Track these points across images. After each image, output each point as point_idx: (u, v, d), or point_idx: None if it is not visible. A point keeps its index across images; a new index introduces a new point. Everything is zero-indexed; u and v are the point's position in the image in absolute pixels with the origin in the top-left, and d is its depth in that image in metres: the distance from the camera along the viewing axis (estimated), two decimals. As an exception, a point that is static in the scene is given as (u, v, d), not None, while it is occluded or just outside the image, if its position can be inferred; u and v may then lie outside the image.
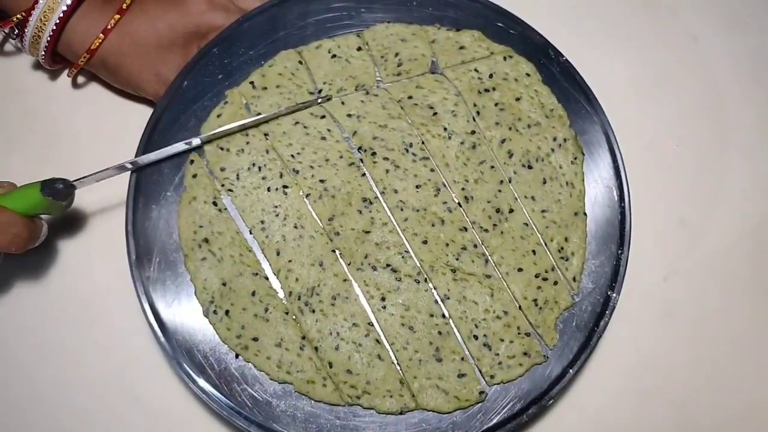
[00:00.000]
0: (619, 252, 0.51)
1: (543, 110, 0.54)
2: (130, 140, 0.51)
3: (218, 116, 0.52)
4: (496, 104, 0.53)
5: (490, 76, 0.54)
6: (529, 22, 0.55)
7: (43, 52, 0.53)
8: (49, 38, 0.52)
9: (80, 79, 0.58)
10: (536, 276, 0.51)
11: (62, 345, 0.53)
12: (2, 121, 0.57)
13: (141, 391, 0.53)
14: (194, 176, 0.51)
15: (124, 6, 0.53)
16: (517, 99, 0.54)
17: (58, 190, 0.45)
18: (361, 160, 0.52)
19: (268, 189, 0.51)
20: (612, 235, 0.52)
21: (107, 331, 0.54)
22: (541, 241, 0.51)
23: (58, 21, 0.51)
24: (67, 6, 0.51)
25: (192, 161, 0.51)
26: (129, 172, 0.50)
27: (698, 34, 0.65)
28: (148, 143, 0.50)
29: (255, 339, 0.48)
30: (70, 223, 0.55)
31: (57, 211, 0.47)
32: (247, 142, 0.52)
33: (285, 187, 0.51)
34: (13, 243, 0.45)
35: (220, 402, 0.47)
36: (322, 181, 0.51)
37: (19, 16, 0.51)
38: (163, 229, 0.50)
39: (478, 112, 0.53)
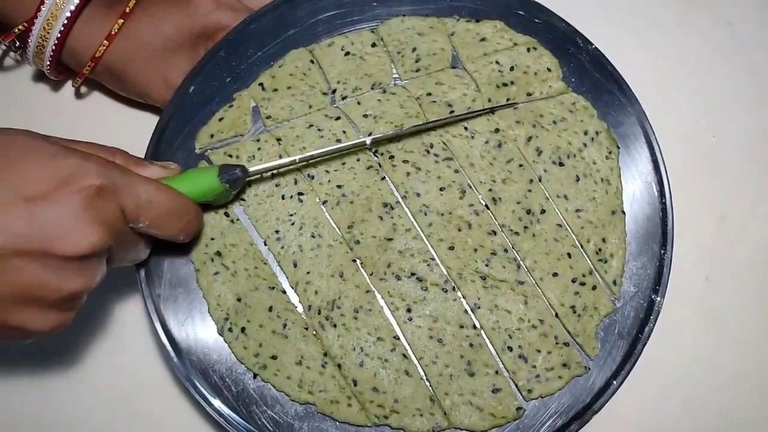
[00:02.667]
0: (662, 252, 0.48)
1: (564, 106, 0.50)
2: (137, 148, 0.48)
3: (220, 119, 0.49)
4: (509, 99, 0.50)
5: (511, 68, 0.51)
6: (554, 9, 0.52)
7: (48, 62, 0.51)
8: (53, 47, 0.50)
9: (84, 89, 0.56)
10: (573, 281, 0.47)
11: (71, 367, 0.51)
12: (4, 134, 0.55)
13: (154, 414, 0.51)
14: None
15: (128, 10, 0.51)
16: (529, 94, 0.51)
17: (237, 177, 0.43)
18: (379, 164, 0.49)
19: (282, 197, 0.48)
20: (653, 233, 0.48)
21: (117, 351, 0.52)
22: (577, 242, 0.48)
23: (62, 29, 0.49)
24: (71, 12, 0.49)
25: (203, 170, 0.48)
26: None
27: (733, 19, 0.61)
28: (155, 151, 0.48)
29: (274, 357, 0.45)
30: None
31: (223, 200, 0.45)
32: (259, 148, 0.49)
33: (300, 194, 0.48)
34: (183, 231, 0.42)
35: (238, 425, 0.44)
36: (339, 186, 0.48)
37: (20, 27, 0.49)
38: (172, 242, 0.47)
39: (493, 112, 0.50)
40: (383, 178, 0.49)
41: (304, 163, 0.47)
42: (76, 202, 0.35)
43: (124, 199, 0.37)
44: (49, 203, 0.34)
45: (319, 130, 0.50)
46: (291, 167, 0.48)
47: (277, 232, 0.48)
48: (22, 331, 0.36)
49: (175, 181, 0.42)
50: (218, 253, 0.47)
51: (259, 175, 0.47)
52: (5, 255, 0.34)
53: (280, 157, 0.49)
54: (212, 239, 0.47)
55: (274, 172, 0.48)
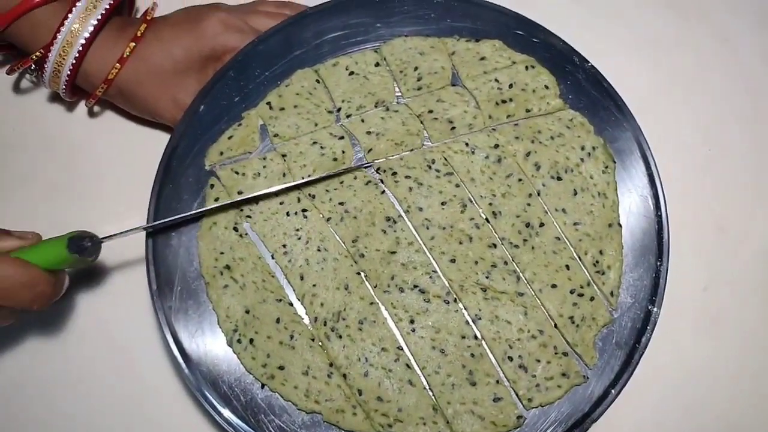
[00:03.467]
0: (658, 263, 0.49)
1: (561, 122, 0.52)
2: (148, 166, 0.50)
3: (229, 137, 0.51)
4: (509, 116, 0.52)
5: (510, 86, 0.52)
6: (551, 28, 0.53)
7: (63, 86, 0.53)
8: (69, 72, 0.52)
9: (96, 108, 0.58)
10: (571, 292, 0.48)
11: (83, 378, 0.52)
12: (22, 151, 0.57)
13: (165, 423, 0.52)
14: (216, 200, 0.49)
15: (139, 33, 0.52)
16: (528, 110, 0.52)
17: (85, 247, 0.43)
18: (381, 180, 0.50)
19: (287, 213, 0.49)
20: (649, 246, 0.49)
21: (129, 362, 0.53)
22: (575, 255, 0.49)
23: (77, 55, 0.51)
24: (86, 39, 0.51)
25: (212, 185, 0.50)
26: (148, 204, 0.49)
27: (728, 35, 0.63)
28: (166, 169, 0.50)
29: (281, 368, 0.46)
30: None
31: (82, 265, 0.46)
32: (264, 166, 0.51)
33: (304, 210, 0.49)
34: (35, 301, 0.43)
35: (247, 435, 0.45)
36: (341, 203, 0.50)
37: (38, 53, 0.51)
38: (183, 256, 0.48)
39: (494, 129, 0.51)
40: (383, 192, 0.50)
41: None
42: None
43: None
44: None
45: (321, 147, 0.51)
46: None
47: (284, 246, 0.49)
48: None
49: (27, 252, 0.43)
50: (227, 267, 0.48)
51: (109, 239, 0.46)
52: None
53: (284, 175, 0.50)
54: (222, 253, 0.48)
55: (278, 192, 0.50)
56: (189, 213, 0.48)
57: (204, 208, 0.49)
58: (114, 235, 0.45)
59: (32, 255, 0.42)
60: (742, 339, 0.56)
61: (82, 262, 0.44)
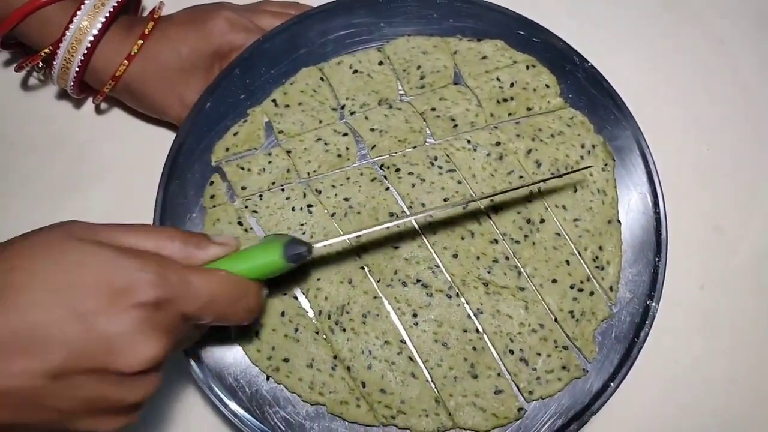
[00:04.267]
0: (657, 260, 0.50)
1: (562, 120, 0.53)
2: (154, 163, 0.51)
3: (235, 134, 0.52)
4: (510, 114, 0.53)
5: (511, 84, 0.53)
6: (552, 29, 0.54)
7: (71, 83, 0.54)
8: (77, 69, 0.52)
9: (103, 105, 0.59)
10: (571, 287, 0.49)
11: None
12: (29, 147, 0.58)
13: (172, 415, 0.52)
14: (212, 197, 0.50)
15: (147, 31, 0.53)
16: (529, 109, 0.53)
17: (303, 256, 0.39)
18: (385, 176, 0.51)
19: (293, 209, 0.50)
20: (648, 242, 0.50)
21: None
22: (575, 250, 0.50)
23: (85, 52, 0.51)
24: (94, 36, 0.51)
25: (212, 182, 0.51)
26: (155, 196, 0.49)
27: (724, 37, 0.64)
28: (172, 166, 0.50)
29: (286, 360, 0.47)
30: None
31: (279, 274, 0.40)
32: (270, 162, 0.51)
33: (309, 206, 0.50)
34: (245, 318, 0.39)
35: (252, 426, 0.46)
36: (346, 199, 0.50)
37: (46, 50, 0.52)
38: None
39: (495, 127, 0.52)
40: (387, 189, 0.51)
41: (357, 235, 0.44)
42: (133, 318, 0.32)
43: (184, 306, 0.35)
44: (105, 318, 0.32)
45: (325, 144, 0.52)
46: (347, 238, 0.45)
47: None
48: None
49: (235, 260, 0.38)
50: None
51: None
52: (65, 373, 0.32)
53: (288, 171, 0.51)
54: (316, 242, 0.48)
55: (283, 186, 0.51)
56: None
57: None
58: (326, 244, 0.42)
59: (242, 262, 0.38)
60: (738, 336, 0.56)
61: (286, 270, 0.40)
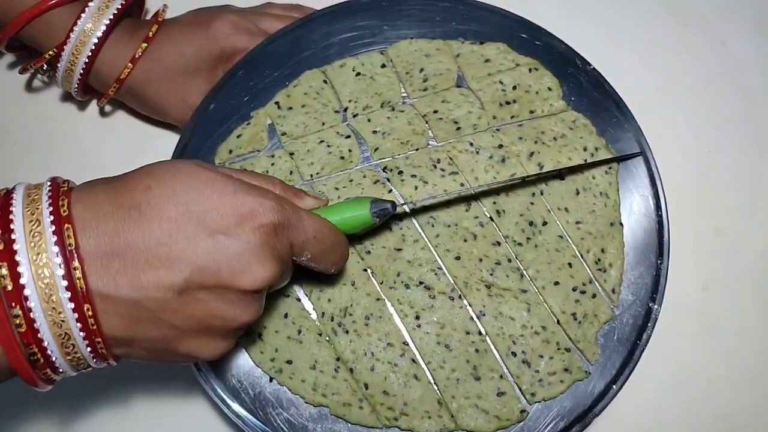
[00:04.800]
0: (659, 262, 0.50)
1: (564, 123, 0.53)
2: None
3: (238, 136, 0.52)
4: (513, 117, 0.53)
5: (514, 87, 0.53)
6: (554, 32, 0.54)
7: (76, 85, 0.54)
8: (81, 71, 0.52)
9: (107, 107, 0.59)
10: (574, 289, 0.49)
11: (92, 374, 0.53)
12: (33, 149, 0.58)
13: (175, 416, 0.52)
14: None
15: (151, 34, 0.53)
16: (531, 111, 0.53)
17: (388, 212, 0.43)
18: (388, 179, 0.51)
19: (296, 210, 0.50)
20: (650, 244, 0.50)
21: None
22: (577, 253, 0.50)
23: (90, 54, 0.52)
24: (98, 39, 0.52)
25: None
26: None
27: (726, 39, 0.64)
28: (176, 167, 0.50)
29: (289, 362, 0.47)
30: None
31: (361, 233, 0.45)
32: (272, 164, 0.51)
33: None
34: (336, 264, 0.43)
35: (255, 427, 0.46)
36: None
37: (50, 52, 0.52)
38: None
39: (498, 129, 0.52)
40: (390, 191, 0.51)
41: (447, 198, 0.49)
42: (256, 239, 0.35)
43: (294, 235, 0.38)
44: (231, 238, 0.34)
45: (328, 146, 0.52)
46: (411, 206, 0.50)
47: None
48: (188, 357, 0.37)
49: (328, 212, 0.42)
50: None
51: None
52: (190, 288, 0.34)
53: (291, 173, 0.51)
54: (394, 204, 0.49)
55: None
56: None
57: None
58: (408, 203, 0.48)
59: (334, 215, 0.42)
60: (740, 338, 0.56)
61: (368, 228, 0.44)
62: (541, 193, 0.51)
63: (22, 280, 0.31)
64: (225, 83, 0.53)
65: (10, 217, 0.32)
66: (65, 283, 0.32)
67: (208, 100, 0.52)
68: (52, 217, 0.33)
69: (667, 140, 0.59)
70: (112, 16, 0.52)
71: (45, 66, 0.54)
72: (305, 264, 0.41)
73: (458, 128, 0.52)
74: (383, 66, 0.54)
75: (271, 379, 0.47)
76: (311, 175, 0.51)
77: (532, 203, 0.51)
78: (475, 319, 0.48)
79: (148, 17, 0.59)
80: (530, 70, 0.54)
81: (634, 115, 0.53)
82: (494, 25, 0.55)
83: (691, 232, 0.58)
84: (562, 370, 0.48)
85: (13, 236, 0.32)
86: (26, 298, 0.31)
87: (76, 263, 0.32)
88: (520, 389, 0.47)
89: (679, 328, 0.56)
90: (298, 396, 0.47)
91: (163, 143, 0.55)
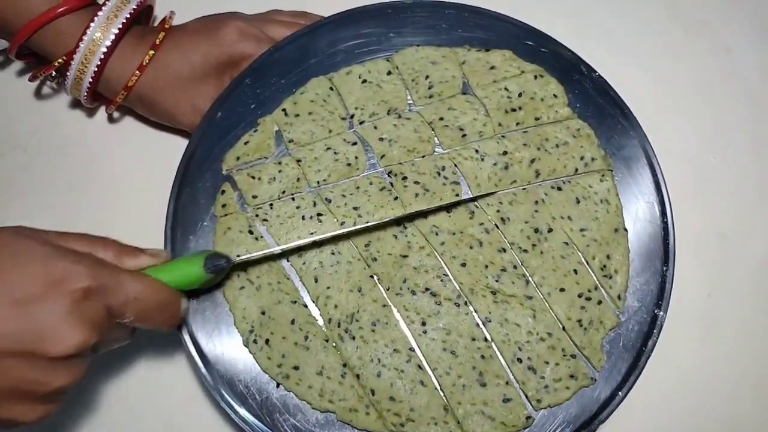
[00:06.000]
0: (664, 268, 0.50)
1: (569, 131, 0.53)
2: (166, 171, 0.51)
3: (246, 143, 0.52)
4: (518, 123, 0.53)
5: (519, 95, 0.54)
6: (559, 39, 0.55)
7: (85, 93, 0.54)
8: (90, 80, 0.53)
9: (116, 114, 0.59)
10: (579, 296, 0.49)
11: (103, 377, 0.53)
12: (42, 155, 0.58)
13: (182, 422, 0.53)
14: (223, 206, 0.51)
15: (158, 41, 0.54)
16: (537, 118, 0.53)
17: (222, 267, 0.44)
18: (392, 183, 0.52)
19: (303, 217, 0.51)
20: (656, 251, 0.50)
21: (148, 361, 0.54)
22: (583, 259, 0.50)
23: (99, 63, 0.52)
24: (107, 48, 0.52)
25: (223, 191, 0.51)
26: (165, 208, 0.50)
27: (731, 46, 0.64)
28: (184, 174, 0.51)
29: (296, 368, 0.47)
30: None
31: (207, 286, 0.46)
32: (280, 171, 0.52)
33: (320, 214, 0.51)
34: (166, 323, 0.43)
35: (262, 433, 0.47)
36: (355, 208, 0.51)
37: (60, 61, 0.52)
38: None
39: (503, 136, 0.53)
40: (396, 198, 0.51)
41: (286, 248, 0.49)
42: (63, 305, 0.36)
43: (111, 299, 0.38)
44: (38, 305, 0.35)
45: (335, 153, 0.52)
46: (274, 251, 0.49)
47: (298, 249, 0.50)
48: (11, 422, 0.37)
49: (161, 270, 0.42)
50: (244, 269, 0.49)
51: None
52: None
53: (298, 180, 0.52)
54: (238, 255, 0.49)
55: (294, 195, 0.51)
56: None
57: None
58: (247, 257, 0.47)
59: (168, 273, 0.42)
60: (745, 345, 0.57)
61: (209, 282, 0.45)
62: (544, 202, 0.51)
63: None
64: (232, 91, 0.53)
65: None
66: None
67: (216, 108, 0.53)
68: None
69: (672, 147, 0.59)
70: (121, 25, 0.52)
71: (54, 73, 0.54)
72: (131, 325, 0.41)
73: (464, 135, 0.53)
74: (389, 73, 0.54)
75: (278, 385, 0.47)
76: (318, 182, 0.51)
77: (536, 211, 0.51)
78: (481, 325, 0.49)
79: (156, 24, 0.60)
80: (536, 77, 0.54)
81: (639, 122, 0.53)
82: (500, 32, 0.55)
83: (696, 239, 0.58)
84: (568, 377, 0.48)
85: None
86: None
87: None
88: (525, 395, 0.48)
89: (684, 335, 0.56)
90: (304, 402, 0.47)
91: (171, 150, 0.55)
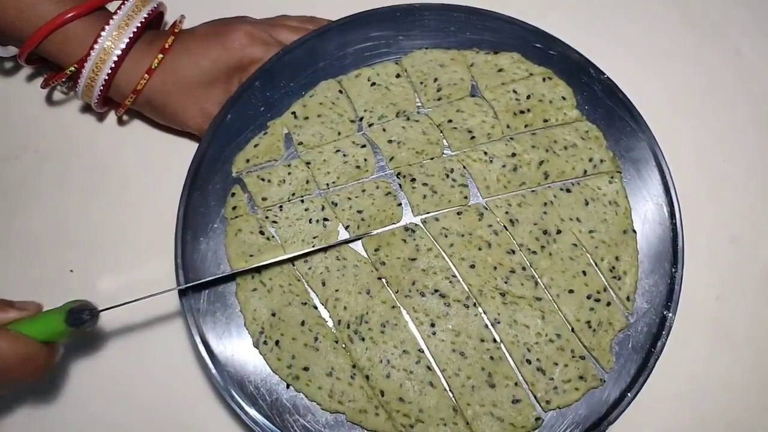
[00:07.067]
0: (673, 270, 0.50)
1: (578, 132, 0.53)
2: (176, 174, 0.52)
3: (255, 146, 0.53)
4: (527, 126, 0.53)
5: (528, 97, 0.54)
6: (568, 41, 0.55)
7: (96, 99, 0.55)
8: (102, 86, 0.53)
9: (125, 117, 0.60)
10: (588, 297, 0.49)
11: (112, 378, 0.54)
12: (54, 157, 0.59)
13: (193, 422, 0.53)
14: (234, 208, 0.51)
15: (167, 45, 0.54)
16: (545, 120, 0.53)
17: (84, 320, 0.43)
18: (400, 185, 0.52)
19: (310, 220, 0.51)
20: (665, 252, 0.50)
21: (159, 362, 0.54)
22: (591, 261, 0.50)
23: (110, 70, 0.52)
24: (118, 56, 0.52)
25: (233, 194, 0.52)
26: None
27: (741, 48, 0.64)
28: (194, 177, 0.51)
29: (306, 369, 0.48)
30: (122, 256, 0.56)
31: (78, 335, 0.46)
32: (289, 173, 0.52)
33: (326, 219, 0.51)
34: (30, 375, 0.43)
35: (272, 434, 0.47)
36: (359, 211, 0.51)
37: (72, 68, 0.53)
38: (211, 260, 0.50)
39: (511, 138, 0.53)
40: (399, 205, 0.52)
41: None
42: None
43: None
44: None
45: (344, 155, 0.53)
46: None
47: (304, 254, 0.50)
48: None
49: (25, 324, 0.43)
50: (258, 270, 0.50)
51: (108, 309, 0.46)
52: None
53: (307, 182, 0.52)
54: (251, 256, 0.50)
55: (303, 197, 0.51)
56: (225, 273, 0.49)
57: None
58: (112, 306, 0.45)
59: (30, 328, 0.43)
60: (754, 347, 0.56)
61: (78, 333, 0.44)
62: (552, 203, 0.52)
63: None
64: (242, 94, 0.53)
65: None
66: None
67: (226, 111, 0.53)
68: None
69: (681, 149, 0.58)
70: (132, 34, 0.52)
71: (65, 80, 0.55)
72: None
73: (473, 137, 0.53)
74: (398, 76, 0.55)
75: (288, 386, 0.48)
76: (327, 184, 0.52)
77: (545, 212, 0.51)
78: (490, 326, 0.49)
79: (167, 28, 0.60)
80: (544, 79, 0.54)
81: (648, 124, 0.53)
82: (508, 34, 0.55)
83: (705, 241, 0.58)
84: (577, 378, 0.48)
85: None
86: None
87: None
88: (534, 397, 0.48)
89: (693, 336, 0.56)
90: (314, 402, 0.47)
91: (181, 153, 0.55)
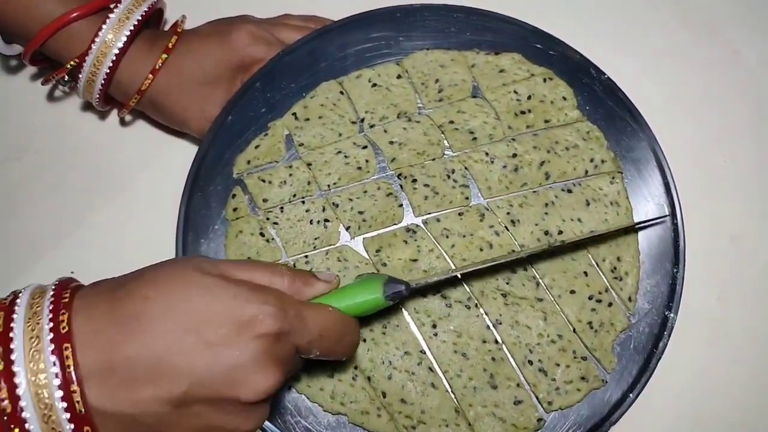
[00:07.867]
0: (675, 270, 0.50)
1: (579, 133, 0.53)
2: (177, 174, 0.52)
3: (256, 147, 0.53)
4: (528, 126, 0.53)
5: (529, 97, 0.54)
6: (568, 41, 0.55)
7: (97, 96, 0.54)
8: (102, 82, 0.53)
9: (127, 117, 0.59)
10: (590, 298, 0.50)
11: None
12: (55, 158, 0.59)
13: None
14: (234, 209, 0.51)
15: (170, 45, 0.54)
16: (546, 121, 0.53)
17: (403, 295, 0.41)
18: (401, 186, 0.52)
19: (311, 222, 0.51)
20: (666, 252, 0.51)
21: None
22: (593, 261, 0.50)
23: (111, 65, 0.52)
24: (119, 50, 0.52)
25: (234, 195, 0.51)
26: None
27: (739, 48, 0.64)
28: (195, 178, 0.51)
29: (307, 370, 0.48)
30: (123, 257, 0.56)
31: (375, 312, 0.42)
32: (290, 174, 0.52)
33: (326, 220, 0.51)
34: (346, 353, 0.41)
35: (274, 435, 0.47)
36: (360, 212, 0.51)
37: (72, 63, 0.53)
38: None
39: (513, 139, 0.53)
40: (401, 206, 0.52)
41: (458, 273, 0.47)
42: (256, 348, 0.34)
43: (298, 339, 0.37)
44: (230, 349, 0.34)
45: (345, 157, 0.53)
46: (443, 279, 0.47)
47: (306, 256, 0.50)
48: None
49: (337, 296, 0.40)
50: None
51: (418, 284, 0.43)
52: (187, 402, 0.33)
53: (309, 184, 0.52)
54: (249, 258, 0.50)
55: (304, 199, 0.51)
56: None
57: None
58: (423, 284, 0.44)
59: (344, 299, 0.40)
60: (755, 347, 0.56)
61: (383, 307, 0.41)
62: (554, 204, 0.52)
63: (22, 403, 0.31)
64: (243, 95, 0.53)
65: (11, 335, 0.32)
66: (64, 404, 0.32)
67: (226, 112, 0.53)
68: (51, 335, 0.32)
69: (681, 149, 0.59)
70: (132, 27, 0.52)
71: (66, 77, 0.55)
72: (315, 358, 0.39)
73: (474, 138, 0.53)
74: (399, 77, 0.55)
75: (289, 388, 0.48)
76: (328, 186, 0.52)
77: (546, 213, 0.51)
78: (492, 327, 0.49)
79: (167, 28, 0.60)
80: (545, 79, 0.54)
81: (648, 124, 0.53)
82: (509, 35, 0.55)
83: (706, 241, 0.58)
84: (579, 379, 0.48)
85: (12, 356, 0.32)
86: (24, 420, 0.31)
87: (75, 386, 0.32)
88: (536, 398, 0.48)
89: (694, 337, 0.56)
90: (316, 404, 0.47)
91: (183, 153, 0.55)
